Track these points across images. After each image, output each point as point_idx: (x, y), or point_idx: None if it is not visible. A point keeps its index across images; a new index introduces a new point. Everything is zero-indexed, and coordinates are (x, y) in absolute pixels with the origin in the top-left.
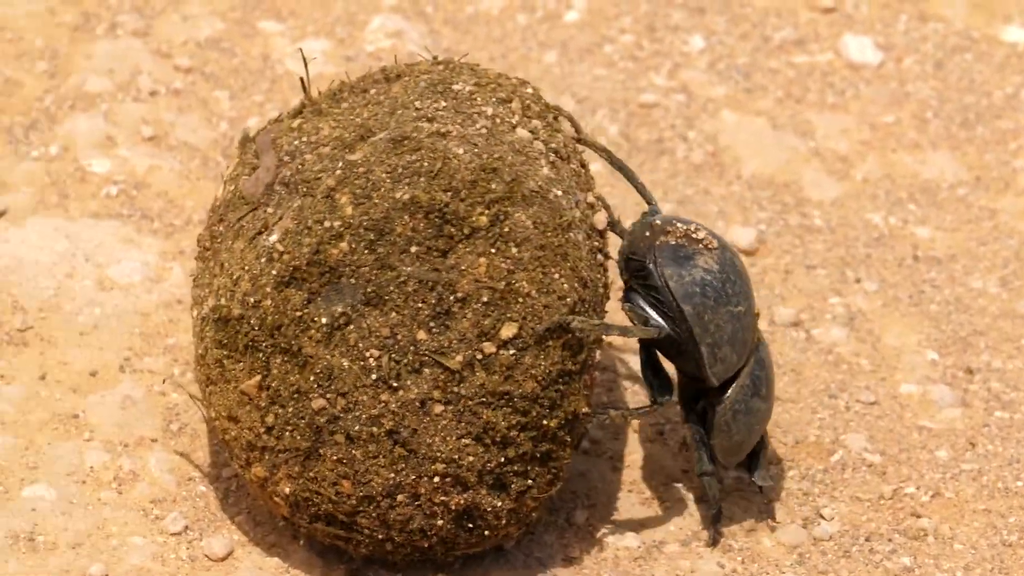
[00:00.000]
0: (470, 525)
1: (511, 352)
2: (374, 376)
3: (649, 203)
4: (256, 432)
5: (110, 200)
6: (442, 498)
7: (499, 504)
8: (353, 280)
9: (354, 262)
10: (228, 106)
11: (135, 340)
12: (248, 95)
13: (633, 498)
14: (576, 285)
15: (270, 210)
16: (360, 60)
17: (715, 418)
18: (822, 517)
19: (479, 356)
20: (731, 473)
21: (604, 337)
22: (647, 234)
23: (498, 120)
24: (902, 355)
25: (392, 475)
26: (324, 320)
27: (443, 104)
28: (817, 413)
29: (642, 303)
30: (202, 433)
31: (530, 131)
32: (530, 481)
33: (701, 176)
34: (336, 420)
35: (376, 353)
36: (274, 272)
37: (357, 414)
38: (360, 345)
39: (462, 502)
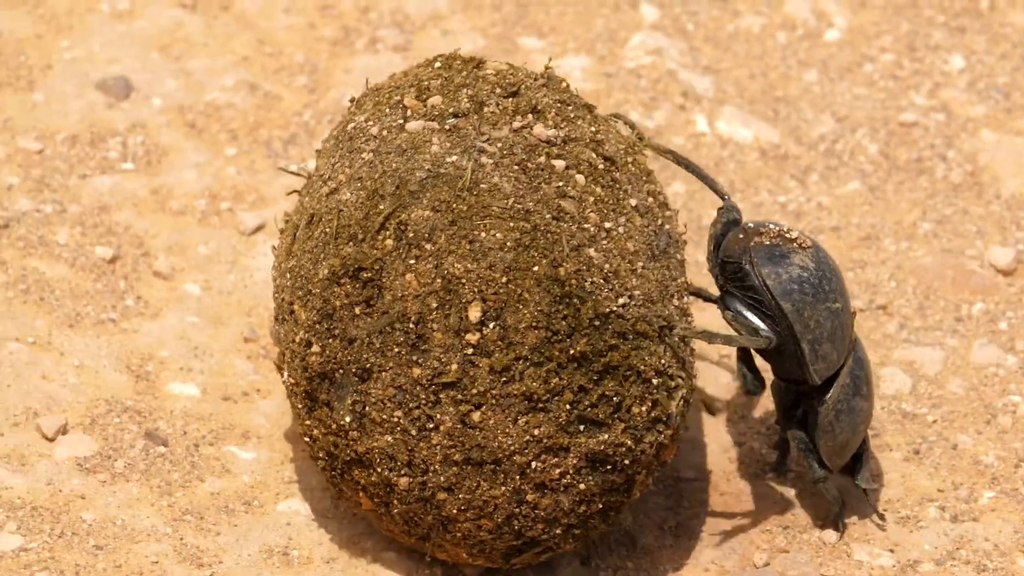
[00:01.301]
0: (608, 466)
1: (492, 326)
2: (414, 431)
3: (722, 197)
4: (405, 531)
5: None
6: (558, 471)
7: (606, 436)
8: (340, 370)
9: (330, 356)
10: None
11: None
12: None
13: (888, 516)
14: (515, 224)
15: (278, 351)
16: (620, 77)
17: (819, 419)
18: None
19: (470, 351)
20: (986, 492)
21: (708, 343)
22: (740, 236)
23: (385, 131)
24: None
25: (504, 488)
26: (348, 418)
27: (338, 155)
28: None
29: (740, 307)
30: None
31: (423, 115)
32: (616, 398)
33: (960, 196)
34: (425, 484)
35: (398, 413)
36: (300, 406)
37: (433, 468)
38: (384, 417)
39: (576, 459)
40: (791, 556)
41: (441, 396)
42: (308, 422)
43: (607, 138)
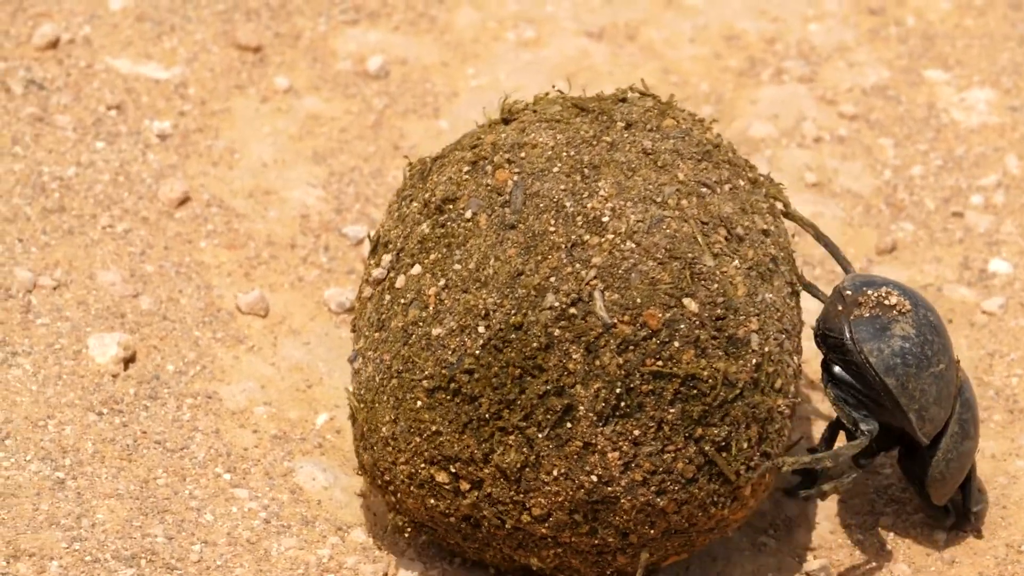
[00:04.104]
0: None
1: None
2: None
3: (846, 271)
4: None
5: None
6: (679, 463)
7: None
8: None
9: None
10: (892, 154)
11: None
12: (912, 143)
13: None
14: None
15: None
16: None
17: (930, 470)
18: None
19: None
20: None
21: (818, 466)
22: (839, 308)
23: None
24: None
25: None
26: None
27: None
28: None
29: (843, 387)
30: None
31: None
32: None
33: None
34: (665, 552)
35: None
36: None
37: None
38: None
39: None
40: None
41: (604, 518)
42: None
43: (580, 191)
